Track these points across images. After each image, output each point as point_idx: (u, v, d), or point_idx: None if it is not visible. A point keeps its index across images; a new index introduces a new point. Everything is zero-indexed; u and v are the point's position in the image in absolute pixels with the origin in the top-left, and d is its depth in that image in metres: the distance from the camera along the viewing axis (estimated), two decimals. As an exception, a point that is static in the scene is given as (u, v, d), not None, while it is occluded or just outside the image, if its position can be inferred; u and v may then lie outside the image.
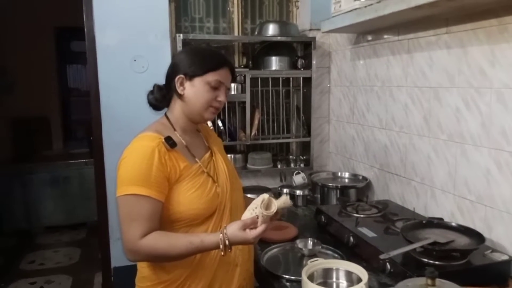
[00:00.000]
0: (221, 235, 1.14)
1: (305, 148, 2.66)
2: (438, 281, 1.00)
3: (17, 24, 4.61)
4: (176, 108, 1.30)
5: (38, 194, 4.28)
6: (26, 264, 3.72)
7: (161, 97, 1.31)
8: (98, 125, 2.33)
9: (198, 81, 1.24)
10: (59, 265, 3.68)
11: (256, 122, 2.46)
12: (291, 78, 2.57)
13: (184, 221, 1.22)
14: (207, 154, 1.34)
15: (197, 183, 1.24)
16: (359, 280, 1.14)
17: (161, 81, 2.58)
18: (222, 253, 1.14)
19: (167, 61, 2.35)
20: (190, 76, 1.24)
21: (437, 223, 1.49)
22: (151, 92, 1.34)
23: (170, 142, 1.21)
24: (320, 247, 1.57)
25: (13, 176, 4.21)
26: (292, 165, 2.62)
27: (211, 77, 1.24)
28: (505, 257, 1.31)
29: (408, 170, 1.91)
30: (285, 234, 1.74)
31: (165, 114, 1.33)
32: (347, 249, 1.56)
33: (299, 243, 1.58)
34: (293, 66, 2.55)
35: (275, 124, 2.59)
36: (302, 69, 2.53)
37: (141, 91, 2.32)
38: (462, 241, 1.36)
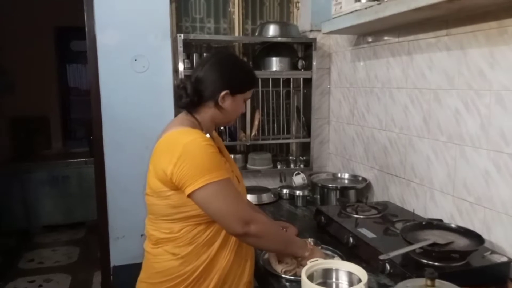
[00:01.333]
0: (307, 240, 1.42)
1: (305, 149, 2.66)
2: (438, 282, 1.01)
3: (17, 23, 4.61)
4: (208, 113, 1.32)
5: (37, 193, 4.27)
6: (25, 263, 3.71)
7: (197, 101, 1.30)
8: (99, 125, 2.33)
9: (239, 97, 1.35)
10: (58, 264, 3.68)
11: (256, 122, 2.46)
12: (291, 79, 2.57)
13: (207, 216, 1.21)
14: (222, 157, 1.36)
15: None
16: (359, 280, 1.14)
17: (161, 81, 2.56)
18: (307, 254, 1.33)
19: (167, 61, 2.36)
20: (234, 93, 1.32)
21: (437, 225, 1.50)
22: (186, 93, 1.29)
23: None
24: (319, 247, 1.57)
25: (12, 176, 4.20)
26: (292, 165, 2.62)
27: (248, 94, 1.38)
28: (504, 259, 1.31)
29: (407, 171, 1.92)
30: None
31: (191, 114, 1.32)
32: (346, 249, 1.56)
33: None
34: (294, 67, 2.55)
35: (275, 125, 2.59)
36: (302, 70, 2.53)
37: (141, 91, 2.34)
38: (461, 242, 1.36)
